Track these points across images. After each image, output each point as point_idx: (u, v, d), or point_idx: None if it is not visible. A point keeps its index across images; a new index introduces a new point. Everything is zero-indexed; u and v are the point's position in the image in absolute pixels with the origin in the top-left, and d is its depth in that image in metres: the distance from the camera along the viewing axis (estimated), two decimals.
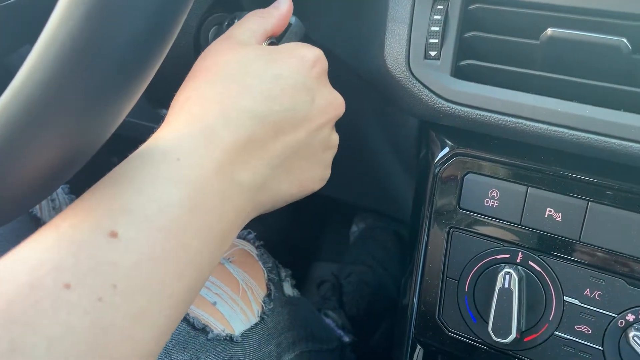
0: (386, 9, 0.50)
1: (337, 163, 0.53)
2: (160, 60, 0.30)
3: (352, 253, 1.23)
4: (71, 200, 0.76)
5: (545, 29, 0.42)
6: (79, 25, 0.25)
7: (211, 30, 0.57)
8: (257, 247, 0.63)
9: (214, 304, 0.55)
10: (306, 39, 0.60)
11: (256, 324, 0.56)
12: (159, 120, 0.39)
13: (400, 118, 0.55)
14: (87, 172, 0.36)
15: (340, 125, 0.48)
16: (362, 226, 1.38)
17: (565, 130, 0.42)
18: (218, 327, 0.53)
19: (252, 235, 0.64)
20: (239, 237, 0.64)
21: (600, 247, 0.43)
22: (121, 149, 0.41)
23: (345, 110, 0.47)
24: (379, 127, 0.60)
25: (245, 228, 0.82)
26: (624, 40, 0.39)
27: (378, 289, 1.12)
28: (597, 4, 0.41)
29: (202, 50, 0.57)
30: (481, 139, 0.48)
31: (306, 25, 0.59)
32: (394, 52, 0.49)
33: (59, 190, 0.67)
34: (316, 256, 1.39)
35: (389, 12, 0.49)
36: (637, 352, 0.42)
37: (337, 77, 0.60)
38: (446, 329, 0.51)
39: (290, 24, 0.50)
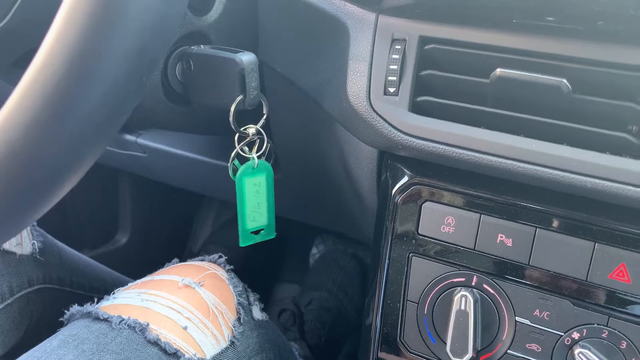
0: (348, 48, 0.53)
1: (298, 186, 0.55)
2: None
3: (313, 277, 1.25)
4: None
5: (495, 69, 0.46)
6: None
7: (177, 65, 0.59)
8: (227, 271, 0.65)
9: (185, 328, 0.56)
10: (272, 71, 0.62)
11: (226, 348, 0.57)
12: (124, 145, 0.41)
13: (359, 147, 0.58)
14: None
15: (302, 151, 0.51)
16: (322, 248, 1.41)
17: (513, 163, 0.45)
18: (190, 351, 0.54)
19: (222, 260, 0.66)
20: (210, 260, 0.66)
21: (547, 270, 0.47)
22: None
23: (307, 136, 0.49)
24: (339, 154, 0.63)
25: (211, 251, 0.84)
26: (564, 80, 0.43)
27: (338, 314, 1.14)
28: (540, 47, 0.45)
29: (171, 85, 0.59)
30: (438, 169, 0.51)
31: (272, 60, 0.61)
32: (356, 88, 0.52)
33: None
34: (277, 277, 1.40)
35: (350, 51, 0.52)
36: None
37: (299, 107, 0.62)
38: (407, 349, 0.53)
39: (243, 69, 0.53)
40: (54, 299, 0.78)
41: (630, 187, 0.41)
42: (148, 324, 0.54)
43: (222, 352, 0.56)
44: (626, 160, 0.42)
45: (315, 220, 0.92)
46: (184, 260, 0.68)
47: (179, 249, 1.53)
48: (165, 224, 1.51)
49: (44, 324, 0.75)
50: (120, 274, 0.96)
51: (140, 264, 0.88)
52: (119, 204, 1.43)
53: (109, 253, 1.41)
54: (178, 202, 1.50)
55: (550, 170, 0.44)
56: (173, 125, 0.69)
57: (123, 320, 0.54)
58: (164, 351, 0.52)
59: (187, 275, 0.61)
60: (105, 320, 0.55)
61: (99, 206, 1.41)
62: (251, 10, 0.61)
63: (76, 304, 0.60)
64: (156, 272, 0.65)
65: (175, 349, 0.53)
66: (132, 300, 0.59)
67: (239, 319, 0.60)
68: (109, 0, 0.30)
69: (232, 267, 0.66)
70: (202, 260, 0.66)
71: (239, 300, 0.62)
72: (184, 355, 0.53)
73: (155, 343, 0.53)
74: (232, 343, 0.58)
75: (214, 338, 0.57)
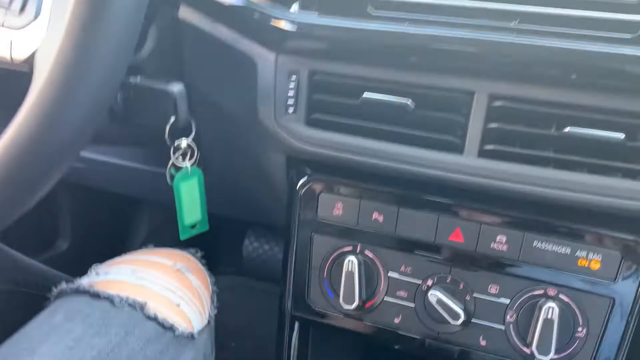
0: (256, 77, 0.68)
1: (224, 186, 0.70)
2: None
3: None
4: None
5: (363, 92, 0.63)
6: None
7: (118, 93, 0.72)
8: (202, 264, 0.80)
9: (178, 305, 0.69)
10: (193, 87, 0.76)
11: (207, 324, 0.72)
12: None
13: (271, 153, 0.74)
14: None
15: (226, 157, 0.65)
16: (253, 239, 1.57)
17: (376, 161, 0.63)
18: (182, 325, 0.67)
19: (199, 254, 0.80)
20: (190, 253, 0.80)
21: (408, 236, 0.65)
22: None
23: (229, 145, 0.64)
24: (255, 159, 0.79)
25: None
26: (409, 101, 0.61)
27: None
28: (390, 75, 0.62)
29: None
30: (330, 167, 0.68)
31: (197, 83, 0.76)
32: (265, 109, 0.67)
33: None
34: (215, 269, 1.54)
35: (258, 81, 0.68)
36: (432, 304, 0.63)
37: (221, 121, 0.77)
38: (313, 305, 0.70)
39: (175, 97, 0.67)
40: (10, 299, 0.87)
41: (451, 174, 0.60)
42: (146, 303, 0.66)
43: (203, 328, 0.71)
44: (449, 156, 0.60)
45: (240, 213, 1.07)
46: None
47: (118, 250, 1.63)
48: (104, 227, 1.60)
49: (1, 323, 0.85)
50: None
51: (83, 267, 0.98)
52: (58, 212, 1.51)
53: (50, 259, 1.49)
54: (114, 207, 1.59)
55: (399, 165, 0.62)
56: (114, 142, 0.82)
57: (123, 299, 0.64)
58: (162, 325, 0.65)
59: (177, 260, 0.75)
60: (107, 298, 0.65)
61: (39, 214, 1.49)
62: (177, 46, 0.76)
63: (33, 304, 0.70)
64: (142, 251, 0.78)
65: (171, 323, 0.66)
66: (127, 277, 0.70)
67: (213, 302, 0.76)
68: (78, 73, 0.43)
69: (205, 261, 0.81)
70: (182, 250, 0.80)
71: (212, 288, 0.77)
72: (177, 329, 0.66)
73: (154, 319, 0.65)
74: (208, 322, 0.73)
75: (200, 315, 0.71)
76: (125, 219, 1.65)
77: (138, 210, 1.65)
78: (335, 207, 0.67)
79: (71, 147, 0.46)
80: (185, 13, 0.72)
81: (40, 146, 0.43)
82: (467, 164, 0.60)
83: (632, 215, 0.57)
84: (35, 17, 0.44)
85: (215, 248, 1.57)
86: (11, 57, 0.46)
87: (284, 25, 0.63)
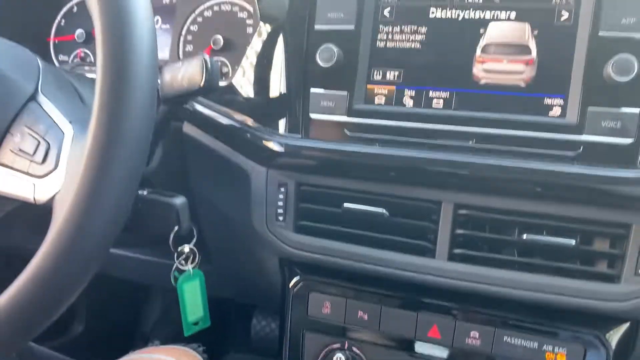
0: (250, 187, 0.76)
1: (225, 275, 0.77)
2: None
3: None
4: None
5: (343, 203, 0.70)
6: None
7: None
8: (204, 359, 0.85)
9: None
10: (195, 193, 0.84)
11: None
12: None
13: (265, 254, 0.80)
14: None
15: (226, 252, 0.72)
16: (260, 318, 1.61)
17: (357, 264, 0.69)
18: None
19: (201, 348, 0.85)
20: (193, 349, 0.85)
21: (390, 334, 0.70)
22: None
23: (228, 243, 0.71)
24: (252, 258, 0.85)
25: (161, 331, 1.01)
26: (384, 210, 0.68)
27: None
28: (367, 187, 0.69)
29: None
30: (320, 268, 0.74)
31: (198, 189, 0.84)
32: (257, 216, 0.75)
33: None
34: (224, 349, 1.59)
35: (252, 189, 0.76)
36: None
37: (221, 223, 0.84)
38: None
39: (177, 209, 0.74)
40: None
41: (425, 276, 0.66)
42: None
43: None
44: (423, 259, 0.67)
45: (244, 298, 1.13)
46: (138, 342, 0.86)
47: (131, 331, 1.68)
48: (117, 310, 1.66)
49: None
50: None
51: (97, 349, 1.04)
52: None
53: (66, 343, 1.55)
54: (127, 290, 1.66)
55: (378, 267, 0.68)
56: (123, 244, 0.89)
57: None
58: None
59: (180, 356, 0.80)
60: None
61: None
62: (181, 158, 0.84)
63: None
64: (145, 349, 0.83)
65: None
66: None
67: None
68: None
69: (206, 355, 0.86)
70: (185, 345, 0.85)
71: None
72: None
73: None
74: None
75: None
76: (137, 303, 1.71)
77: (150, 294, 1.72)
78: (324, 305, 0.73)
79: (89, 268, 0.53)
80: (189, 129, 0.81)
81: (60, 273, 0.50)
82: (439, 267, 0.66)
83: (591, 312, 0.63)
84: (55, 167, 0.53)
85: (224, 328, 1.61)
86: (34, 199, 0.54)
87: (272, 145, 0.72)
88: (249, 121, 0.76)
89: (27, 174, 0.55)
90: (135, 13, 0.50)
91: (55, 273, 0.50)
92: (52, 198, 0.53)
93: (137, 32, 0.50)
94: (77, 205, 0.49)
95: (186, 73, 0.65)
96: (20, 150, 0.55)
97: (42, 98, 0.60)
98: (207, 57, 0.64)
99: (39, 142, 0.55)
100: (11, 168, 0.56)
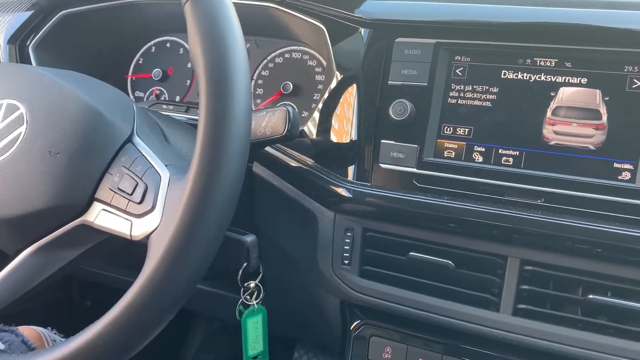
0: (317, 230, 0.79)
1: (285, 314, 0.79)
2: None
3: None
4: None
5: (409, 251, 0.72)
6: None
7: None
8: None
9: None
10: (261, 232, 0.87)
11: None
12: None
13: (327, 296, 0.83)
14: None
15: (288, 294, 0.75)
16: (302, 352, 1.63)
17: (421, 312, 0.71)
18: None
19: None
20: None
21: None
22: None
23: (290, 284, 0.74)
24: (312, 298, 0.88)
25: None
26: (450, 261, 0.70)
27: None
28: (433, 237, 0.72)
29: None
30: (381, 313, 0.76)
31: (263, 226, 0.87)
32: (323, 258, 0.78)
33: None
34: None
35: (319, 232, 0.79)
36: None
37: (283, 262, 0.88)
38: None
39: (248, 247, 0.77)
40: None
41: (488, 329, 0.67)
42: None
43: None
44: (486, 312, 0.68)
45: (296, 334, 1.16)
46: None
47: (172, 357, 1.72)
48: (160, 335, 1.70)
49: None
50: None
51: None
52: None
53: None
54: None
55: (441, 317, 0.70)
56: None
57: None
58: None
59: None
60: None
61: None
62: (249, 197, 0.88)
63: None
64: None
65: None
66: None
67: None
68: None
69: None
70: None
71: None
72: None
73: None
74: None
75: None
76: (182, 327, 1.75)
77: (193, 318, 1.75)
78: (385, 350, 0.75)
79: (179, 301, 0.57)
80: (259, 169, 0.85)
81: (154, 305, 0.54)
82: (503, 321, 0.68)
83: None
84: (152, 208, 0.57)
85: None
86: (130, 235, 0.58)
87: (341, 191, 0.75)
88: (317, 165, 0.80)
89: (126, 212, 0.59)
90: (236, 68, 0.54)
91: (149, 305, 0.54)
92: (148, 235, 0.57)
93: (237, 85, 0.54)
94: (174, 244, 0.53)
95: (270, 122, 0.69)
96: (119, 189, 0.60)
97: (137, 140, 0.65)
98: (290, 108, 0.68)
99: (137, 182, 0.59)
100: (109, 205, 0.60)
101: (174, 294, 0.55)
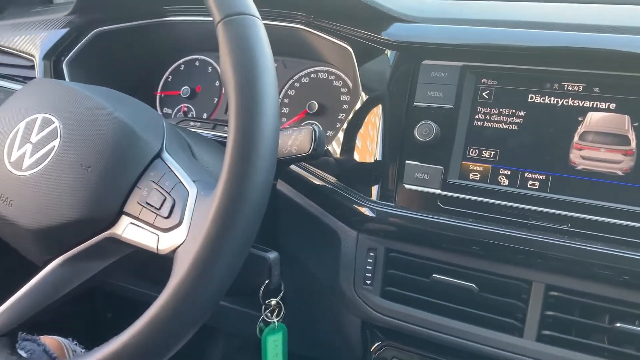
0: (340, 248, 0.79)
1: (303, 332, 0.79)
2: None
3: None
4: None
5: (432, 273, 0.72)
6: None
7: None
8: None
9: None
10: (283, 249, 0.88)
11: None
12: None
13: (348, 314, 0.83)
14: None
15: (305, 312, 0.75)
16: None
17: (442, 335, 0.70)
18: None
19: None
20: None
21: None
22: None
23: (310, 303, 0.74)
24: (331, 316, 0.88)
25: None
26: (474, 285, 0.70)
27: None
28: (457, 260, 0.71)
29: None
30: (402, 335, 0.76)
31: (285, 243, 0.88)
32: (345, 278, 0.78)
33: None
34: None
35: (341, 251, 0.79)
36: None
37: (305, 282, 0.88)
38: None
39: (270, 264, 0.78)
40: None
41: (511, 355, 0.66)
42: None
43: None
44: (510, 337, 0.67)
45: (314, 354, 1.15)
46: None
47: None
48: (180, 350, 1.70)
49: None
50: None
51: None
52: None
53: None
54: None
55: (463, 341, 0.69)
56: None
57: None
58: None
59: None
60: None
61: None
62: (272, 214, 0.89)
63: None
64: None
65: None
66: None
67: None
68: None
69: None
70: None
71: None
72: None
73: None
74: None
75: None
76: (200, 343, 1.75)
77: (212, 336, 1.76)
78: None
79: (203, 316, 0.57)
80: (282, 186, 0.85)
81: (178, 319, 0.55)
82: (527, 347, 0.67)
83: None
84: (179, 222, 0.58)
85: None
86: (157, 249, 0.59)
87: (364, 210, 0.75)
88: (341, 184, 0.80)
89: (153, 226, 0.60)
90: (265, 88, 0.56)
91: (173, 319, 0.54)
92: (174, 250, 0.58)
93: (266, 104, 0.55)
94: (199, 259, 0.54)
95: (296, 140, 0.70)
96: (147, 203, 0.61)
97: (166, 155, 0.66)
98: (316, 127, 0.69)
99: (165, 197, 0.60)
100: (137, 219, 0.61)
101: (198, 309, 0.55)
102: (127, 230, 0.62)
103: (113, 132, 0.65)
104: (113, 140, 0.64)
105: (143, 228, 0.61)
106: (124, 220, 0.63)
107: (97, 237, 0.63)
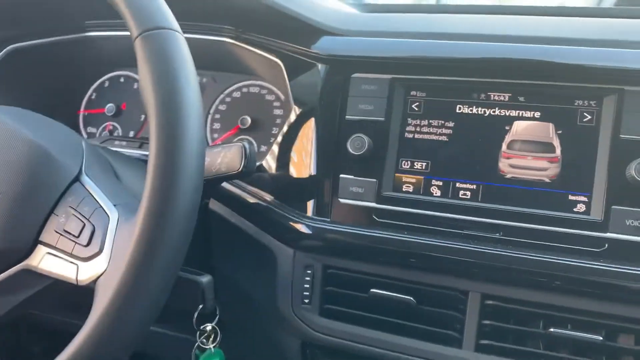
0: (276, 268, 0.77)
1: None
2: None
3: None
4: None
5: (370, 288, 0.71)
6: None
7: None
8: None
9: None
10: (217, 271, 0.84)
11: None
12: None
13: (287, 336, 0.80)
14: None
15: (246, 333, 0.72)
16: None
17: (383, 351, 0.69)
18: None
19: None
20: None
21: None
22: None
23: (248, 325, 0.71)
24: (271, 338, 0.85)
25: None
26: (412, 298, 0.69)
27: None
28: (394, 273, 0.70)
29: None
30: (343, 354, 0.74)
31: (220, 265, 0.85)
32: (283, 299, 0.76)
33: None
34: None
35: (278, 272, 0.77)
36: None
37: (241, 303, 0.85)
38: None
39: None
40: None
41: None
42: None
43: None
44: (449, 349, 0.67)
45: None
46: None
47: None
48: None
49: None
50: None
51: None
52: None
53: None
54: None
55: (404, 356, 0.68)
56: None
57: None
58: None
59: None
60: None
61: None
62: (204, 235, 0.86)
63: None
64: None
65: None
66: None
67: None
68: None
69: None
70: None
71: None
72: None
73: None
74: None
75: None
76: None
77: None
78: None
79: (127, 350, 0.54)
80: (215, 205, 0.83)
81: (100, 354, 0.51)
82: (465, 358, 0.67)
83: None
84: (100, 251, 0.54)
85: None
86: (76, 279, 0.55)
87: (300, 227, 0.74)
88: (276, 201, 0.78)
89: (72, 255, 0.56)
90: (187, 103, 0.53)
91: (95, 355, 0.51)
92: (95, 280, 0.54)
93: (188, 121, 0.52)
94: (121, 291, 0.50)
95: (225, 158, 0.68)
96: (65, 231, 0.57)
97: (85, 179, 0.62)
98: (246, 144, 0.67)
99: (84, 224, 0.57)
100: (55, 248, 0.57)
101: (122, 343, 0.52)
102: (44, 260, 0.58)
103: (26, 156, 0.60)
104: (26, 164, 0.60)
105: (61, 258, 0.57)
106: (40, 250, 0.58)
107: (10, 269, 0.59)
